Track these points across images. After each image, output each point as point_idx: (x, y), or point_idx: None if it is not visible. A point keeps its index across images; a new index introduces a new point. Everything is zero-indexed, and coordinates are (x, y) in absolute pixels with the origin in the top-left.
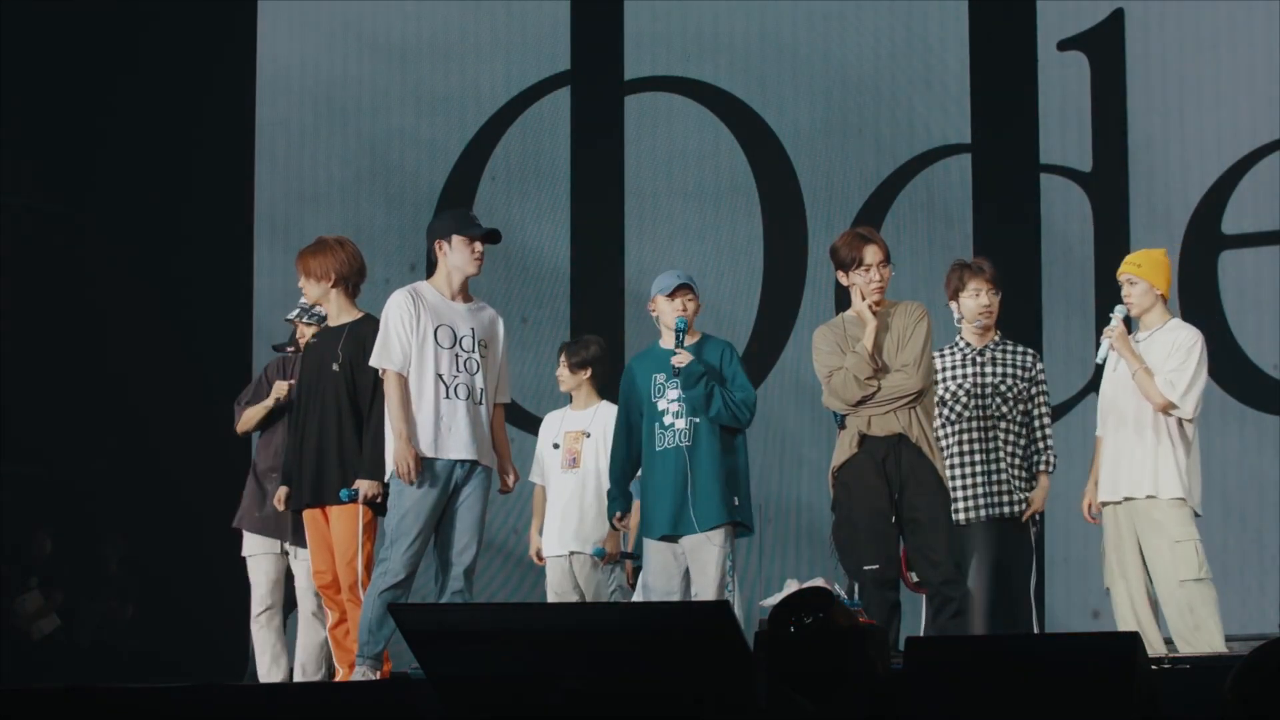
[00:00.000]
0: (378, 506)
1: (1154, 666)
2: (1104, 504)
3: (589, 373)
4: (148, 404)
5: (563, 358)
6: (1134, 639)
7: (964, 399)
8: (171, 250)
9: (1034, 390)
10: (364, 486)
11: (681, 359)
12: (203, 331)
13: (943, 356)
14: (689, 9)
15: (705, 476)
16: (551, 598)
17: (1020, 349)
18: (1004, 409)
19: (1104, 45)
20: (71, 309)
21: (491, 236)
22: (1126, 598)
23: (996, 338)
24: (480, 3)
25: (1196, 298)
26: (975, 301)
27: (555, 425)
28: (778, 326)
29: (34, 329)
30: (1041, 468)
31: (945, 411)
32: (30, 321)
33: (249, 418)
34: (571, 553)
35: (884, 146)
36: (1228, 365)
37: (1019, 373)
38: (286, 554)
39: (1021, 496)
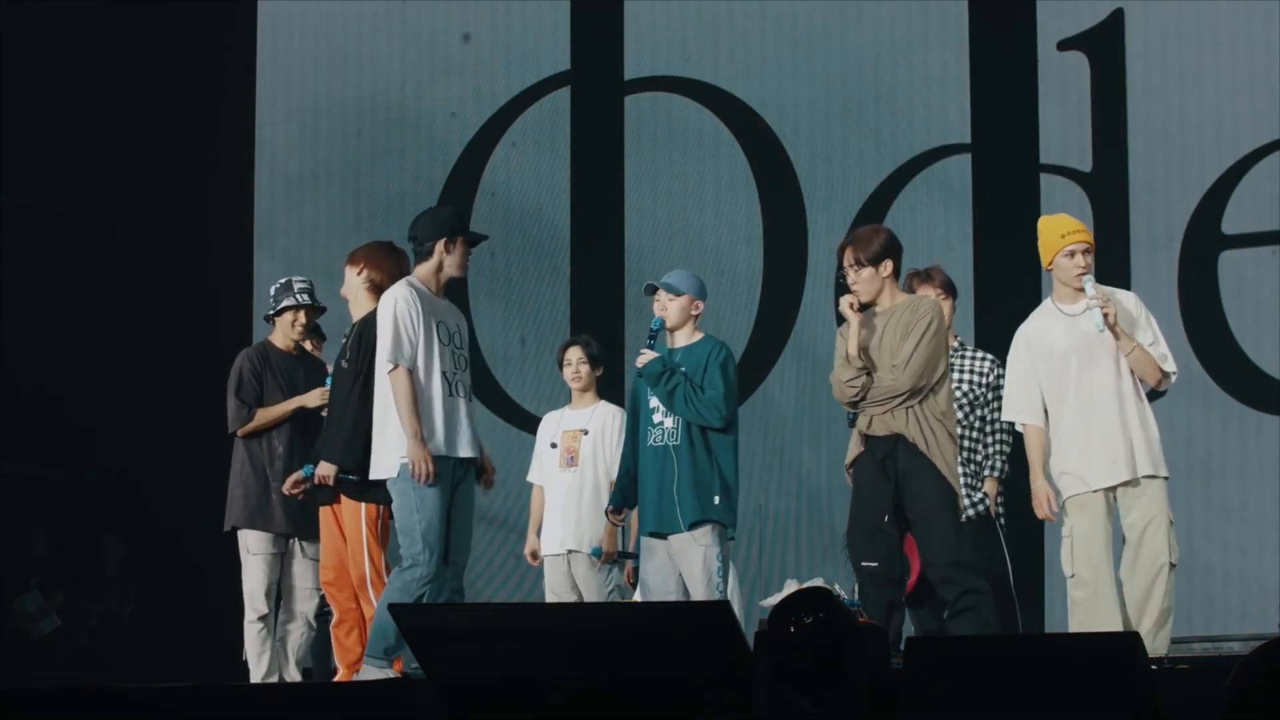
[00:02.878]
0: (365, 494)
1: (1154, 666)
2: (1076, 494)
3: (600, 371)
4: (147, 404)
5: (580, 352)
6: (1134, 639)
7: None
8: (171, 252)
9: (991, 396)
10: (320, 468)
11: (641, 359)
12: (202, 332)
13: None
14: (689, 9)
15: (687, 475)
16: (550, 598)
17: (980, 355)
18: (959, 415)
19: (1104, 45)
20: (72, 310)
21: (481, 240)
22: (1115, 592)
23: (955, 344)
24: (480, 3)
25: (1196, 298)
26: None
27: (554, 425)
28: (777, 327)
29: (34, 329)
30: (990, 473)
31: None
32: (31, 322)
33: (266, 420)
34: (569, 551)
35: (884, 146)
36: (1228, 365)
37: (976, 378)
38: (283, 554)
39: (978, 499)
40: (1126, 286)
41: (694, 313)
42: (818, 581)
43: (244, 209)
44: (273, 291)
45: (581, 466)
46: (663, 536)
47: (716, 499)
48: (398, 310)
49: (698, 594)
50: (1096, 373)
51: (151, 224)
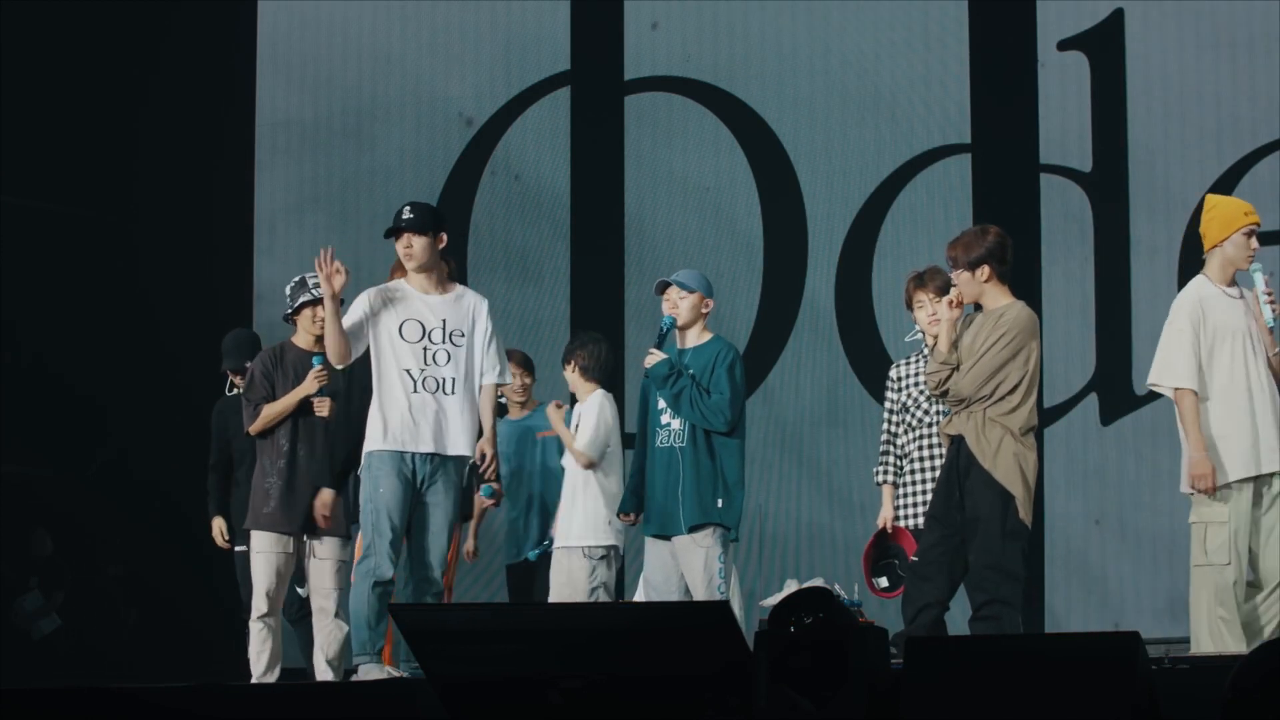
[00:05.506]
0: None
1: (1154, 666)
2: (1242, 479)
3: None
4: (147, 404)
5: (575, 364)
6: (1134, 639)
7: (924, 404)
8: (171, 251)
9: None
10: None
11: (649, 359)
12: (203, 332)
13: (908, 364)
14: (689, 9)
15: (690, 477)
16: (553, 593)
17: None
18: (933, 412)
19: (1104, 45)
20: (74, 310)
21: (390, 234)
22: (1239, 582)
23: None
24: (480, 2)
25: None
26: (921, 313)
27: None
28: (777, 326)
29: (37, 330)
30: None
31: (908, 418)
32: (33, 323)
33: (272, 415)
34: (562, 548)
35: (884, 147)
36: None
37: None
38: (294, 553)
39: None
40: (1127, 287)
41: (704, 311)
42: (818, 581)
43: (244, 211)
44: (288, 291)
45: (569, 463)
46: (666, 538)
47: (719, 502)
48: (350, 313)
49: (699, 595)
50: (1259, 360)
51: (150, 226)
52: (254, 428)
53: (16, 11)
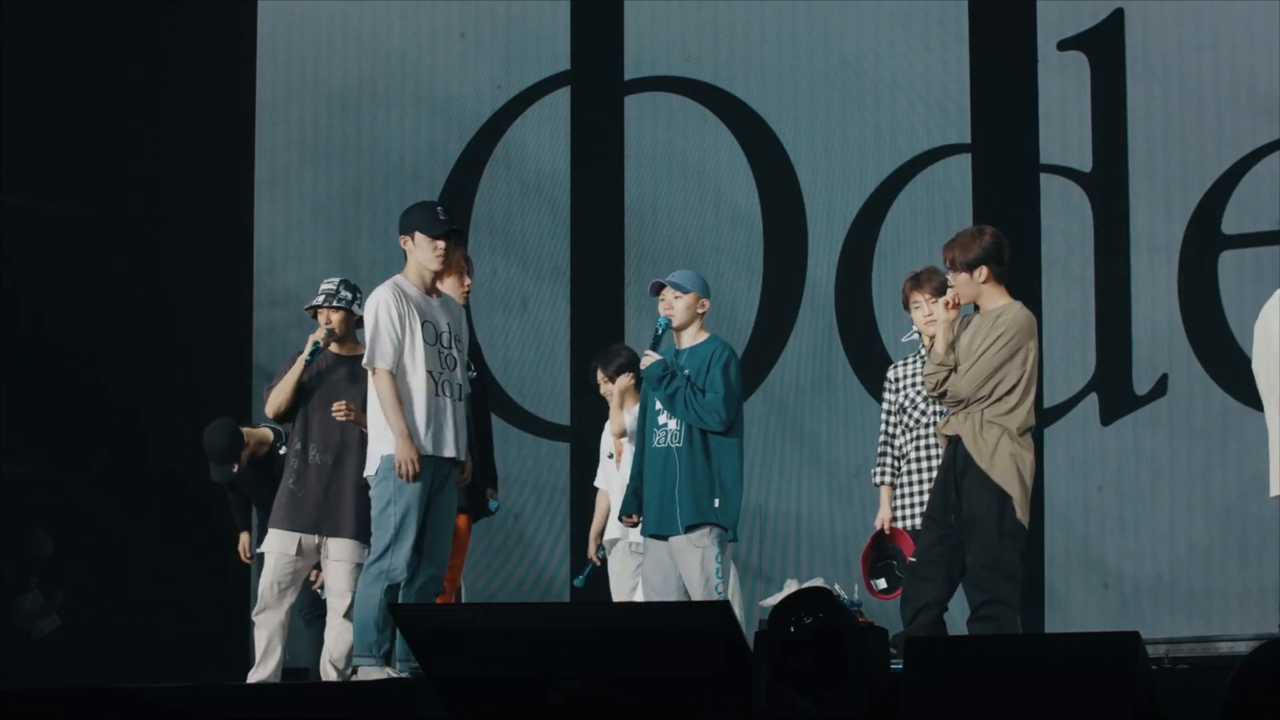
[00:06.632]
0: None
1: (1154, 666)
2: None
3: (630, 379)
4: (149, 401)
5: (633, 376)
6: (1134, 639)
7: (922, 405)
8: (172, 250)
9: None
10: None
11: (644, 360)
12: (204, 332)
13: (905, 364)
14: (689, 9)
15: (686, 477)
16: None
17: None
18: (928, 412)
19: (1104, 45)
20: (73, 307)
21: (448, 235)
22: None
23: None
24: (480, 3)
25: (1196, 298)
26: (918, 314)
27: (607, 432)
28: (777, 326)
29: (37, 331)
30: None
31: (905, 419)
32: (33, 323)
33: (277, 395)
34: (612, 541)
35: (884, 146)
36: (1228, 365)
37: None
38: (298, 555)
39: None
40: (1127, 287)
41: (700, 311)
42: (818, 581)
43: (244, 211)
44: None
45: (623, 466)
46: (663, 538)
47: (716, 502)
48: (378, 314)
49: (696, 595)
50: None
51: (150, 225)
52: (268, 408)
53: (15, 11)
